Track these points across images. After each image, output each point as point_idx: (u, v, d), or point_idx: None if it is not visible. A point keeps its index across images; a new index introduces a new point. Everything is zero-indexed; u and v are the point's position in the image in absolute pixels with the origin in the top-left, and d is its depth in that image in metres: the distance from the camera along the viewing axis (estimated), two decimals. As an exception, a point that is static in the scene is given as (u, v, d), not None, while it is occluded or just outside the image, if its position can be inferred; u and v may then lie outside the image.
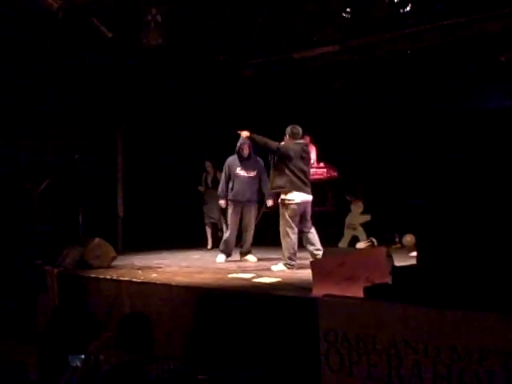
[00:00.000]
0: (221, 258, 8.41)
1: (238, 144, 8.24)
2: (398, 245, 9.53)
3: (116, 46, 9.09)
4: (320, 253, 7.13)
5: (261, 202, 8.69)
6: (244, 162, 8.35)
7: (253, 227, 8.42)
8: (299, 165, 7.26)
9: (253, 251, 8.60)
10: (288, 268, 7.16)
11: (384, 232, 9.66)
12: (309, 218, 7.39)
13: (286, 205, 7.22)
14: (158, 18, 8.58)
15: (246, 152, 8.29)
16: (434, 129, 9.10)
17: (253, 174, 8.35)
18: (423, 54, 8.95)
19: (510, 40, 8.16)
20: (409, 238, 9.32)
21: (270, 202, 8.40)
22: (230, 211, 8.44)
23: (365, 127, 10.28)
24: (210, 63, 9.85)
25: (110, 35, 8.55)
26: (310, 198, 7.37)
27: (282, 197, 7.27)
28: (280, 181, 7.25)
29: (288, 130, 7.44)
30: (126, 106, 9.86)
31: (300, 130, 7.44)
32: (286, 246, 7.21)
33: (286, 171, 7.19)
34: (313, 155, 10.70)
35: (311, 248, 7.34)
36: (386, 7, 8.21)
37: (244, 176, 8.34)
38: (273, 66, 9.91)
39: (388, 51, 9.01)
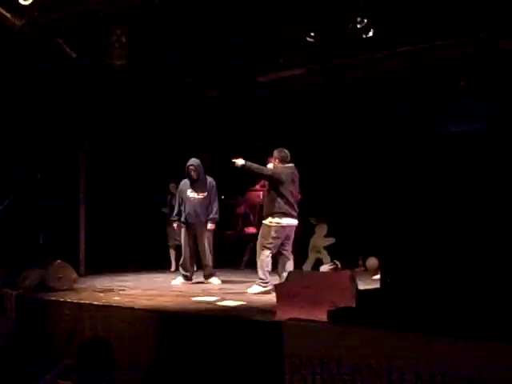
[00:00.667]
0: (177, 280, 8.39)
1: (186, 167, 8.31)
2: (362, 268, 9.58)
3: (80, 66, 9.03)
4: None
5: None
6: (194, 184, 8.38)
7: (208, 249, 8.34)
8: (289, 189, 7.21)
9: (217, 273, 8.54)
10: (263, 287, 7.10)
11: (348, 255, 9.70)
12: (291, 242, 7.34)
13: (271, 226, 7.16)
14: (123, 38, 8.56)
15: (193, 174, 8.33)
16: (396, 151, 9.21)
17: (202, 195, 8.34)
18: (385, 78, 9.10)
19: (470, 66, 8.36)
20: (372, 261, 9.38)
21: (211, 226, 8.37)
22: (182, 234, 8.48)
23: (328, 150, 10.37)
24: (175, 84, 9.85)
25: (73, 55, 8.49)
26: (295, 222, 7.33)
27: (269, 219, 7.19)
28: (271, 207, 7.18)
29: (276, 153, 7.35)
30: (89, 126, 9.76)
31: (287, 153, 7.38)
32: (261, 265, 7.13)
33: (276, 196, 7.13)
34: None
35: (285, 275, 7.30)
36: (350, 32, 8.33)
37: (194, 198, 8.36)
38: (238, 88, 9.97)
39: (351, 75, 9.14)
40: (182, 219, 8.45)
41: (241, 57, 9.26)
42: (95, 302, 6.65)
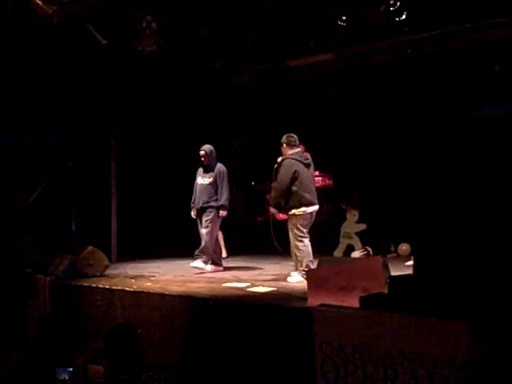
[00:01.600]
0: (195, 263, 8.28)
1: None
2: (394, 254, 9.48)
3: (111, 53, 9.06)
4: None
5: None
6: (204, 170, 8.41)
7: (207, 235, 8.21)
8: (305, 176, 7.13)
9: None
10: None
11: (379, 241, 9.60)
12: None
13: (297, 216, 7.07)
14: (153, 25, 8.56)
15: (202, 160, 8.35)
16: (429, 136, 9.07)
17: (208, 181, 8.30)
18: (418, 61, 8.94)
19: (505, 48, 8.16)
20: (404, 247, 9.28)
21: (221, 213, 8.25)
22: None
23: (360, 135, 10.24)
24: (205, 70, 9.82)
25: (104, 42, 8.51)
26: (317, 207, 7.26)
27: (293, 210, 7.09)
28: (291, 201, 7.08)
29: (284, 139, 7.32)
30: (120, 112, 9.80)
31: (296, 138, 7.34)
32: (303, 255, 6.97)
33: (295, 190, 7.04)
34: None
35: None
36: (382, 15, 8.19)
37: (201, 184, 8.36)
38: (268, 73, 9.90)
39: (383, 59, 9.00)
40: (192, 204, 8.47)
41: (271, 41, 9.19)
42: (126, 288, 6.70)
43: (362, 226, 9.59)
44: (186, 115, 11.08)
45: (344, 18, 8.55)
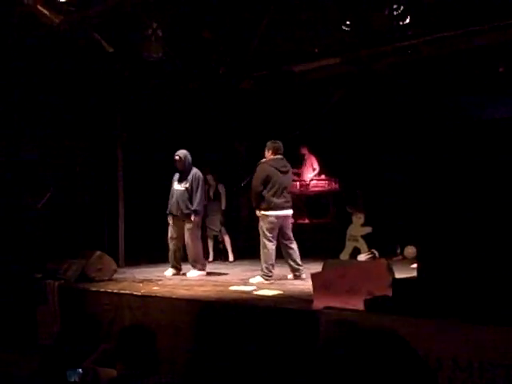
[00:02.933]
0: (168, 271, 8.32)
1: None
2: (400, 256, 9.50)
3: (117, 59, 9.14)
4: (300, 268, 7.34)
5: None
6: (180, 176, 8.35)
7: (191, 242, 8.19)
8: (279, 181, 7.33)
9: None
10: (266, 279, 7.21)
11: (385, 244, 9.63)
12: (288, 231, 7.46)
13: (263, 218, 7.29)
14: (159, 31, 8.64)
15: (177, 164, 8.31)
16: (434, 140, 9.10)
17: (184, 186, 8.24)
18: (422, 65, 8.98)
19: (509, 51, 8.19)
20: (410, 250, 9.30)
21: (193, 218, 8.17)
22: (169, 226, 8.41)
23: (365, 139, 10.29)
24: (209, 75, 9.88)
25: (110, 50, 8.60)
26: (289, 212, 7.48)
27: (262, 212, 7.30)
28: (262, 204, 7.29)
29: (269, 144, 7.56)
30: (126, 118, 9.87)
31: (280, 144, 7.57)
32: (264, 258, 7.27)
33: (265, 194, 7.25)
34: (315, 165, 10.76)
35: (291, 263, 7.45)
36: (386, 19, 8.24)
37: (177, 189, 8.30)
38: (273, 78, 9.95)
39: (387, 63, 9.04)
40: (168, 210, 8.37)
41: (276, 46, 9.24)
42: (134, 292, 6.77)
43: (368, 229, 9.62)
44: (192, 120, 11.16)
45: (348, 22, 8.60)
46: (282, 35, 8.99)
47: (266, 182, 7.25)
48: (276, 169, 7.35)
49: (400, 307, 4.48)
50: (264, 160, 7.49)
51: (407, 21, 8.18)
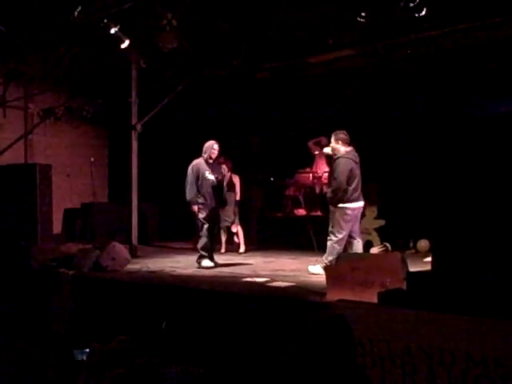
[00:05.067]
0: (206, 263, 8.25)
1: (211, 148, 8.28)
2: (413, 250, 9.49)
3: (132, 50, 9.17)
4: None
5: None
6: (209, 166, 8.36)
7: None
8: (358, 174, 7.20)
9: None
10: None
11: (398, 237, 9.62)
12: (357, 224, 7.30)
13: (341, 210, 7.09)
14: (174, 22, 8.63)
15: (216, 155, 8.39)
16: (449, 133, 9.06)
17: (215, 176, 8.32)
18: (437, 57, 8.93)
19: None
20: (423, 244, 9.28)
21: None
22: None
23: (379, 131, 10.25)
24: (225, 66, 9.88)
25: (126, 40, 8.64)
26: (362, 204, 7.31)
27: (341, 204, 7.11)
28: (344, 197, 7.11)
29: (339, 135, 7.27)
30: (141, 108, 9.90)
31: (347, 135, 7.32)
32: (330, 250, 7.02)
33: (348, 188, 7.08)
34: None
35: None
36: (401, 11, 8.18)
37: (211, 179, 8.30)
38: (288, 69, 9.93)
39: (403, 55, 8.99)
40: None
41: (291, 38, 9.21)
42: (148, 283, 6.80)
43: (381, 222, 9.61)
44: (208, 112, 11.17)
45: (363, 14, 8.54)
46: (297, 26, 8.95)
47: (350, 175, 7.08)
48: (353, 161, 7.19)
49: (414, 301, 4.47)
50: (342, 153, 7.19)
51: (423, 13, 8.11)
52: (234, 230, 10.06)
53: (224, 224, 10.14)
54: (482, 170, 4.91)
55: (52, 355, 5.65)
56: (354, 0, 8.37)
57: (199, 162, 8.26)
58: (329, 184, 7.66)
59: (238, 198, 10.02)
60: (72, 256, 7.86)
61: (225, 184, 9.79)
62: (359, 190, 7.20)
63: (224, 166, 9.84)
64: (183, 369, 3.56)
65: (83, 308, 7.00)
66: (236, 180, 10.04)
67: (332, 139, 7.34)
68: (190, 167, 8.24)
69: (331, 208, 7.28)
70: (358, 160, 7.28)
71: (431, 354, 4.16)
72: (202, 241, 8.13)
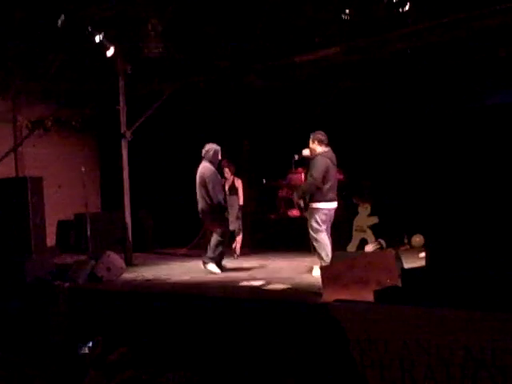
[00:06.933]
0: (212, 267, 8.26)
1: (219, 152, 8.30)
2: (407, 246, 9.50)
3: (118, 57, 9.15)
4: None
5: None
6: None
7: (213, 234, 8.25)
8: (333, 174, 7.27)
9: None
10: None
11: (392, 233, 9.62)
12: (329, 224, 7.35)
13: (316, 211, 7.17)
14: (159, 27, 8.61)
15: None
16: (439, 127, 9.06)
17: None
18: (423, 52, 8.95)
19: (509, 34, 8.14)
20: (417, 239, 9.29)
21: None
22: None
23: (370, 129, 10.26)
24: (212, 70, 9.87)
25: (111, 47, 8.62)
26: (336, 205, 7.36)
27: (315, 205, 7.19)
28: (317, 196, 7.19)
29: (316, 136, 7.35)
30: (130, 115, 9.87)
31: (326, 136, 7.39)
32: (319, 251, 7.08)
33: (323, 187, 7.14)
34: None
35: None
36: (385, 7, 8.19)
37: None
38: (275, 70, 9.92)
39: (388, 51, 9.00)
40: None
41: (276, 38, 9.21)
42: (144, 291, 6.78)
43: (375, 219, 9.61)
44: (196, 116, 11.16)
45: (347, 11, 8.54)
46: (282, 27, 8.95)
47: (325, 174, 7.16)
48: (331, 161, 7.27)
49: (410, 297, 4.48)
50: (319, 152, 7.28)
51: (407, 8, 8.12)
52: (238, 236, 9.88)
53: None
54: (475, 165, 4.92)
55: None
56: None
57: (210, 166, 8.24)
58: (304, 183, 7.71)
59: (241, 202, 9.94)
60: (67, 268, 7.83)
61: (227, 188, 9.76)
62: (335, 191, 7.30)
63: (227, 170, 9.78)
64: (179, 376, 3.55)
65: (80, 320, 6.97)
66: (239, 184, 9.94)
67: (310, 140, 7.42)
68: (211, 172, 8.16)
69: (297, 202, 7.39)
70: (335, 161, 7.36)
71: (429, 349, 4.17)
72: (219, 244, 8.15)
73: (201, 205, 8.17)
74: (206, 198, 8.09)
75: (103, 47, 8.70)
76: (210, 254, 8.12)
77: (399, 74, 9.66)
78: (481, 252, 4.39)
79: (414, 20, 8.23)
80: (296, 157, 8.33)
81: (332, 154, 7.34)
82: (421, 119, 9.59)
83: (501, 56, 8.69)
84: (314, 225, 7.16)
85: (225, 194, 9.23)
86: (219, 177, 8.42)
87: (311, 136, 7.40)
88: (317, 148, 7.31)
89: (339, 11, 8.53)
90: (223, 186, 9.50)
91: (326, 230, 7.23)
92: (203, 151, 8.29)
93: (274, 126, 10.88)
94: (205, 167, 8.20)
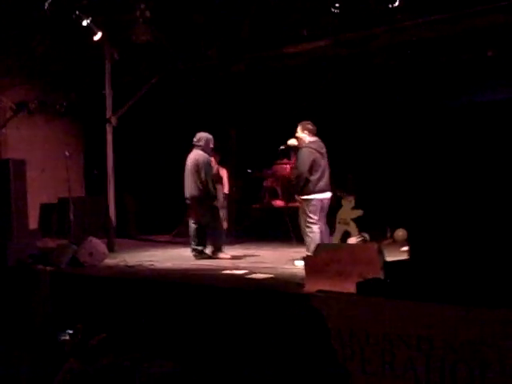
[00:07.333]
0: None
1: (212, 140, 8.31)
2: (390, 240, 9.56)
3: (105, 42, 9.09)
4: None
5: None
6: None
7: (206, 224, 8.28)
8: (322, 164, 7.20)
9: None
10: None
11: (376, 227, 9.69)
12: (324, 215, 7.34)
13: (307, 202, 7.15)
14: (147, 13, 8.57)
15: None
16: (423, 122, 9.14)
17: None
18: (411, 48, 9.00)
19: (497, 35, 8.21)
20: (400, 233, 9.36)
21: None
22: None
23: (355, 122, 10.31)
24: (200, 58, 9.84)
25: (99, 32, 8.56)
26: (329, 195, 7.35)
27: (305, 196, 7.18)
28: (306, 188, 7.18)
29: (305, 125, 7.34)
30: (116, 101, 9.82)
31: (315, 126, 7.37)
32: (311, 241, 7.07)
33: (311, 179, 7.13)
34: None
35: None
36: (375, 2, 8.22)
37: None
38: (264, 60, 9.92)
39: (377, 46, 9.04)
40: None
41: (266, 29, 9.20)
42: (126, 277, 6.78)
43: (359, 212, 9.65)
44: (183, 104, 11.13)
45: (337, 5, 8.55)
46: (272, 17, 8.95)
47: (312, 166, 7.12)
48: (318, 152, 7.23)
49: (391, 290, 4.52)
50: (306, 143, 7.27)
51: (396, 3, 8.15)
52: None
53: None
54: (458, 159, 4.97)
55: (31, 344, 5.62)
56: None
57: (204, 154, 8.24)
58: (291, 174, 7.71)
59: (225, 190, 9.95)
60: (49, 252, 7.79)
61: None
62: (325, 181, 7.24)
63: (212, 159, 9.77)
64: (160, 364, 3.57)
65: (62, 304, 6.95)
66: (223, 173, 9.96)
67: (298, 129, 7.41)
68: (205, 159, 8.17)
69: (297, 198, 7.36)
70: (323, 151, 7.33)
71: (410, 342, 4.22)
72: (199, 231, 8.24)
73: (191, 191, 8.17)
74: (199, 184, 8.10)
75: (90, 31, 8.64)
76: (209, 246, 8.26)
77: (386, 69, 9.70)
78: (462, 247, 4.44)
79: (403, 16, 8.28)
80: (282, 147, 8.35)
81: (320, 144, 7.32)
82: (406, 114, 9.67)
83: (488, 56, 8.77)
84: (305, 217, 7.17)
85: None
86: (212, 165, 8.42)
87: (299, 126, 7.38)
88: (306, 138, 7.29)
89: (329, 4, 8.55)
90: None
91: (320, 220, 7.19)
92: (194, 139, 8.28)
93: (261, 116, 10.88)
94: (198, 154, 8.21)
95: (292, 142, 7.59)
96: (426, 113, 9.28)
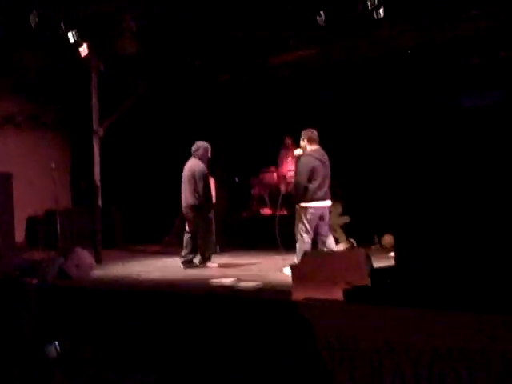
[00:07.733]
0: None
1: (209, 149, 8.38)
2: (378, 245, 9.58)
3: (92, 54, 9.09)
4: None
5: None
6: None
7: (199, 233, 8.36)
8: (322, 173, 7.18)
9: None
10: None
11: (363, 233, 9.70)
12: (326, 225, 7.34)
13: (304, 210, 7.15)
14: (133, 26, 8.58)
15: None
16: (408, 128, 9.17)
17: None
18: (397, 56, 9.06)
19: (482, 42, 8.29)
20: (387, 239, 9.38)
21: None
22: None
23: (342, 129, 10.33)
24: (187, 68, 9.86)
25: (85, 45, 8.57)
26: (328, 203, 7.33)
27: (303, 204, 7.17)
28: (305, 196, 7.17)
29: (307, 134, 7.34)
30: (103, 113, 9.81)
31: (316, 133, 7.37)
32: (300, 251, 7.03)
33: (310, 187, 7.12)
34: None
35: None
36: (360, 12, 8.27)
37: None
38: (250, 70, 9.96)
39: (362, 55, 9.09)
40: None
41: (251, 39, 9.24)
42: (114, 289, 6.75)
43: (346, 219, 9.67)
44: (170, 115, 11.13)
45: (322, 14, 8.60)
46: (258, 27, 8.98)
47: (311, 174, 7.12)
48: (319, 160, 7.20)
49: (379, 297, 4.53)
50: (307, 152, 7.26)
51: (381, 13, 8.21)
52: None
53: None
54: (444, 165, 4.99)
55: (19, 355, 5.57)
56: (312, 2, 8.44)
57: (201, 163, 8.34)
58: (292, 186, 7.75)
59: (213, 200, 9.95)
60: (36, 264, 7.74)
61: None
62: (325, 190, 7.22)
63: None
64: (146, 375, 3.55)
65: (48, 317, 6.90)
66: (211, 182, 9.97)
67: (301, 139, 7.43)
68: (201, 169, 8.29)
69: (296, 207, 7.35)
70: (324, 159, 7.30)
71: (398, 348, 4.22)
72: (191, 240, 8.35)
73: (187, 200, 8.22)
74: (195, 193, 8.19)
75: (76, 44, 8.63)
76: (201, 255, 8.33)
77: (370, 78, 9.76)
78: (449, 253, 4.46)
79: (388, 26, 8.34)
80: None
81: (321, 153, 7.30)
82: (391, 120, 9.69)
83: (474, 63, 8.84)
84: (301, 225, 7.16)
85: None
86: (208, 175, 8.49)
87: (302, 134, 7.39)
88: (306, 146, 7.30)
89: (314, 14, 8.60)
90: None
91: (321, 227, 7.20)
92: (193, 148, 8.39)
93: (248, 125, 10.90)
94: (195, 163, 8.31)
95: (297, 152, 7.56)
96: (412, 119, 9.32)
